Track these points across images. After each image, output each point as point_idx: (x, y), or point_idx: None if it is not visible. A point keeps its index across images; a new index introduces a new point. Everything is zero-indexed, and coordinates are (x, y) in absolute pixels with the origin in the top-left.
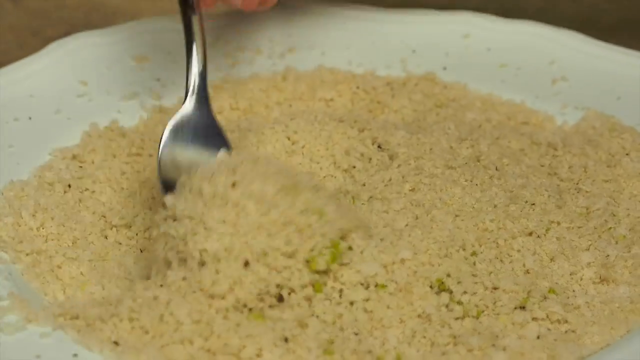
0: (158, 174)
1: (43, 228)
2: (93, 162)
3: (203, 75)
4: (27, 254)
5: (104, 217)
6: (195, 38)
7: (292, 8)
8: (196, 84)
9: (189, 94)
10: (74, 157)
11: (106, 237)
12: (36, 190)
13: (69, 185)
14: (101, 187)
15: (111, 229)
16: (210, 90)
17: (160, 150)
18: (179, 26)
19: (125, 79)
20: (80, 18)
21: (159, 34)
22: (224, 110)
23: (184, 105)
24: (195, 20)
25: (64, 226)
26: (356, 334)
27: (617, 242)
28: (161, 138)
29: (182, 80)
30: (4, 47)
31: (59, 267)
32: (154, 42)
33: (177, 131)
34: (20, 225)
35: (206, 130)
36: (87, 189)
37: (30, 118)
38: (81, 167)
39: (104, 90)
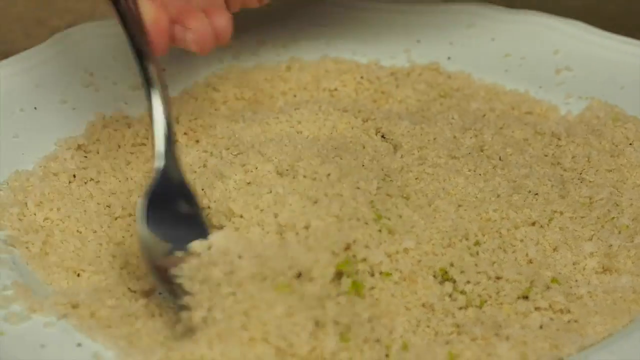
0: (142, 254)
1: (48, 218)
2: (98, 152)
3: (169, 137)
4: (32, 244)
5: (109, 207)
6: (155, 89)
7: None
8: (162, 150)
9: (157, 162)
10: (79, 147)
11: (110, 227)
12: (41, 181)
13: (74, 176)
14: (106, 177)
15: (116, 219)
16: (214, 80)
17: (140, 233)
18: None
19: (131, 69)
20: (86, 8)
21: None
22: (228, 101)
23: (154, 178)
24: (152, 68)
25: (69, 216)
26: (369, 321)
27: (620, 232)
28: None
29: (187, 71)
30: (10, 36)
31: (64, 256)
32: None
33: (154, 208)
34: (25, 216)
35: (181, 205)
36: (92, 179)
37: (35, 108)
38: (86, 157)
39: (110, 81)
